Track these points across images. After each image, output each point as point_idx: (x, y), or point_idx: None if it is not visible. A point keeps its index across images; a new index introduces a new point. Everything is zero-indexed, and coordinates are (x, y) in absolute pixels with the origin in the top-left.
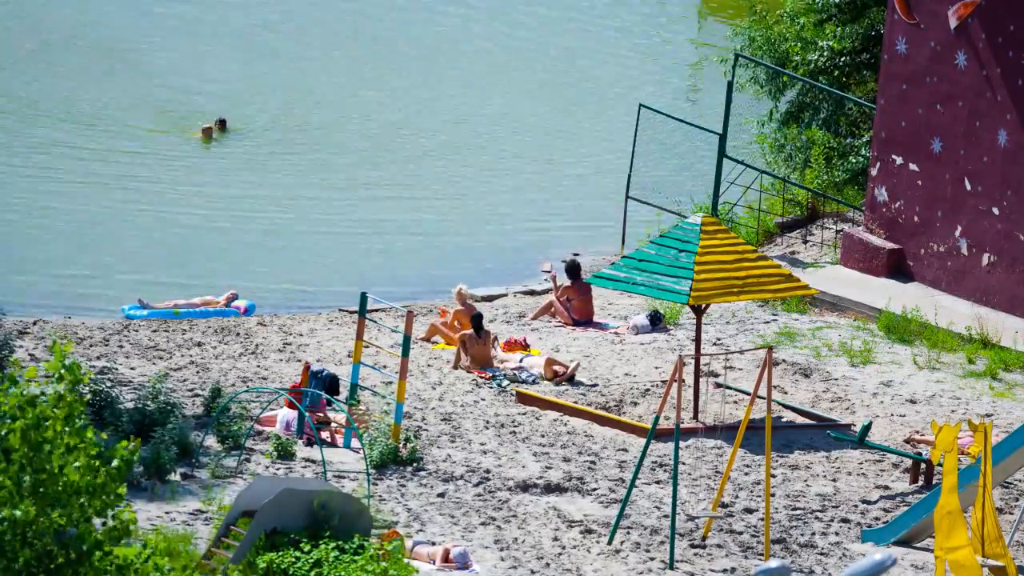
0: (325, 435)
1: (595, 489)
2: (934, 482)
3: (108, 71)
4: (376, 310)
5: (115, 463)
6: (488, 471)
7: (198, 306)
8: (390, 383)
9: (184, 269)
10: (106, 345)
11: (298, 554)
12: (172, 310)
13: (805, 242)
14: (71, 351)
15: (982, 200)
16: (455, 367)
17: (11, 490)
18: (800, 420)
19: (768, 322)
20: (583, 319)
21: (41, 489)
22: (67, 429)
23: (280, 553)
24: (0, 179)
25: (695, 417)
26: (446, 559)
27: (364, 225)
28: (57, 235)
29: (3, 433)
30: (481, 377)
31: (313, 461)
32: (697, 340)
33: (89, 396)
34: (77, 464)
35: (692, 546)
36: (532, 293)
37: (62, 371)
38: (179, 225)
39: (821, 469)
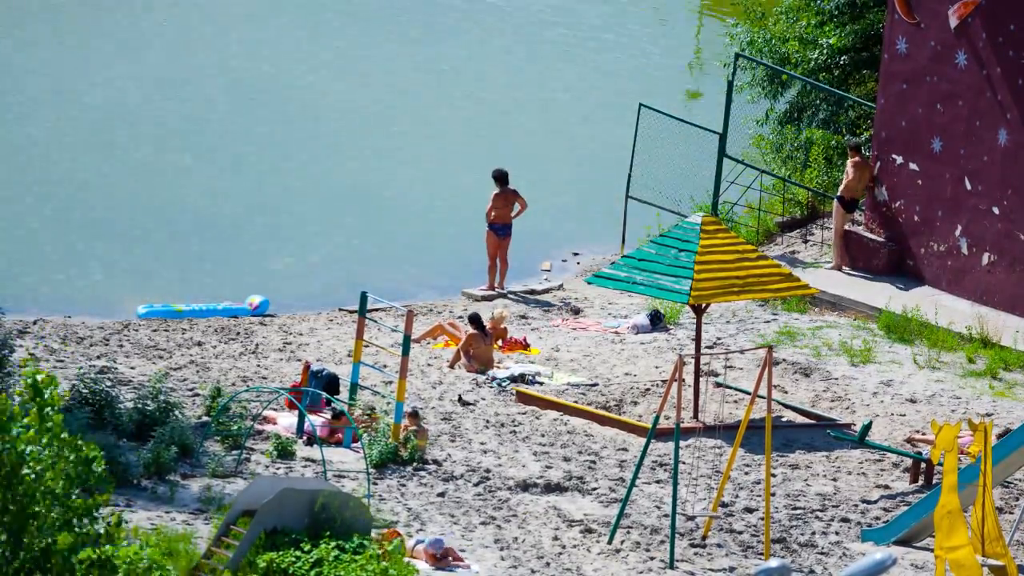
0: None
1: (595, 488)
2: (934, 482)
3: (113, 66)
4: (376, 309)
5: (96, 469)
6: (488, 470)
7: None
8: (390, 382)
9: (185, 268)
10: (106, 345)
11: (298, 553)
12: (177, 309)
13: (805, 242)
14: (71, 349)
15: (982, 200)
16: (452, 366)
17: None
18: (800, 419)
19: (768, 321)
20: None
21: (15, 508)
22: (40, 451)
23: (280, 552)
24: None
25: (695, 417)
26: (433, 558)
27: (364, 223)
28: (57, 234)
29: None
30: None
31: (313, 461)
32: (697, 340)
33: (64, 403)
34: (50, 486)
35: (692, 546)
36: (532, 292)
37: (34, 385)
38: (179, 225)
39: (821, 469)
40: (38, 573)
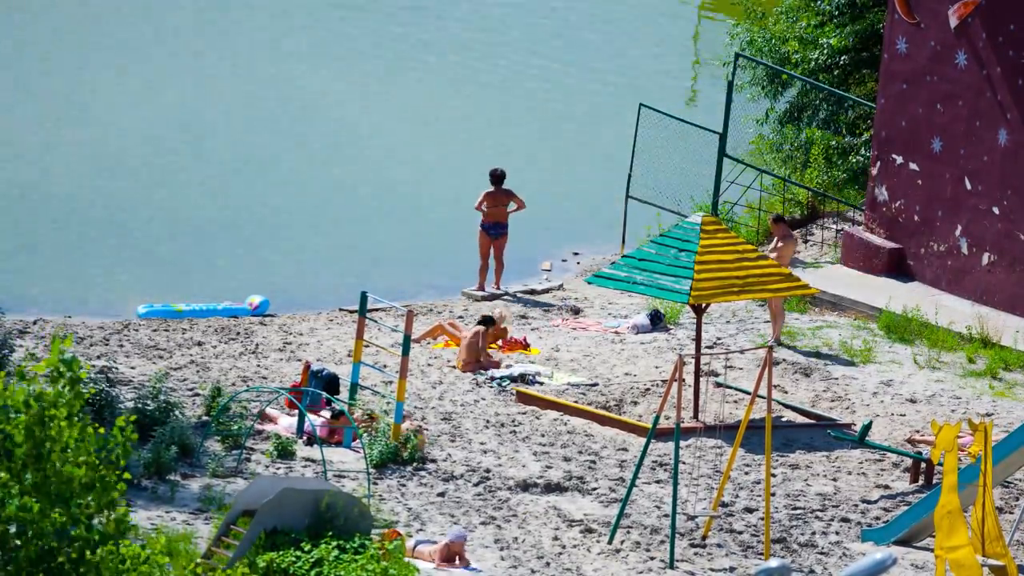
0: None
1: (595, 488)
2: (934, 481)
3: (113, 67)
4: (376, 309)
5: (115, 450)
6: (488, 470)
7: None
8: (390, 382)
9: (185, 268)
10: (106, 345)
11: (299, 553)
12: (176, 308)
13: (805, 242)
14: (70, 346)
15: (982, 199)
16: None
17: (13, 487)
18: (800, 419)
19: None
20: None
21: (43, 487)
22: (68, 426)
23: (280, 552)
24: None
25: (695, 416)
26: (446, 556)
27: (364, 223)
28: (57, 234)
29: (7, 427)
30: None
31: (313, 461)
32: (697, 339)
33: (89, 394)
34: (83, 459)
35: (692, 545)
36: (532, 292)
37: (60, 368)
38: (178, 225)
39: (821, 468)
40: (41, 574)
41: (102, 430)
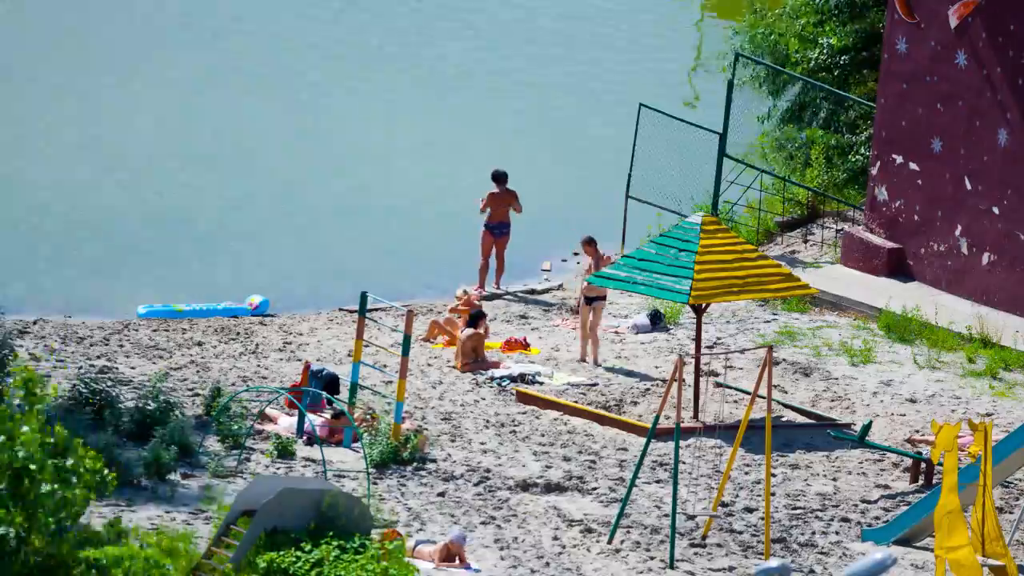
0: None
1: (595, 488)
2: (934, 481)
3: (115, 69)
4: (376, 309)
5: (79, 488)
6: (488, 470)
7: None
8: (390, 382)
9: (185, 269)
10: (106, 345)
11: (299, 553)
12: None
13: (805, 241)
14: (67, 353)
15: (982, 199)
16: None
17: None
18: (800, 419)
19: (768, 321)
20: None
21: (23, 502)
22: (33, 440)
23: (281, 552)
24: (0, 177)
25: (695, 416)
26: (445, 557)
27: (364, 224)
28: (57, 234)
29: None
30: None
31: (313, 460)
32: (697, 339)
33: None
34: (44, 476)
35: (692, 545)
36: (532, 292)
37: (23, 388)
38: (179, 225)
39: (821, 468)
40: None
41: (64, 434)
